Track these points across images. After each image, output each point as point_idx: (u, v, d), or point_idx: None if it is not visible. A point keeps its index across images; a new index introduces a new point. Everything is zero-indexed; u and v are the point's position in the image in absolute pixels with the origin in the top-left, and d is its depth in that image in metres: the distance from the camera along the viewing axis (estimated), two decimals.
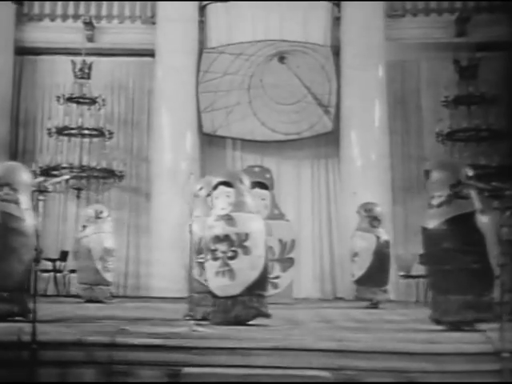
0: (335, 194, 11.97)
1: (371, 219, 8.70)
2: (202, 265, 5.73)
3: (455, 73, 11.31)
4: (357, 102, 11.24)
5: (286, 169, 12.00)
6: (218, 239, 5.34)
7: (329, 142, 11.97)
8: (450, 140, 11.21)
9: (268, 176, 10.17)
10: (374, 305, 8.29)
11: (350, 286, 10.74)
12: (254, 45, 11.84)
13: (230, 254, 5.29)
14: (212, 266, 5.38)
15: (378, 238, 8.55)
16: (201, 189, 6.22)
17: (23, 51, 12.43)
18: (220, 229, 5.35)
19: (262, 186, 10.06)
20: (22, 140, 12.34)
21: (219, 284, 5.33)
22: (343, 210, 11.40)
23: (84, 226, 9.17)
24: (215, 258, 5.35)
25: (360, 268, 8.52)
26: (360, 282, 8.56)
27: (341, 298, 10.94)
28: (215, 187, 5.56)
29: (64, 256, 10.98)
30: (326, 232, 11.93)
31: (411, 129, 12.06)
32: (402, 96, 12.08)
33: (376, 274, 8.42)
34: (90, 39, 12.27)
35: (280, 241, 8.93)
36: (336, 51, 11.78)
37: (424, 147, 11.84)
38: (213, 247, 5.36)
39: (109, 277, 8.93)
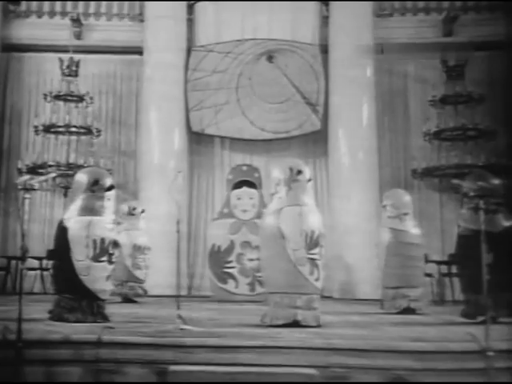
0: (323, 193, 11.99)
1: None
2: (314, 262, 5.11)
3: (442, 72, 11.40)
4: (345, 100, 11.26)
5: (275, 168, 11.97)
6: None
7: (317, 140, 11.99)
8: (437, 139, 11.30)
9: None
10: None
11: (339, 285, 10.87)
12: (243, 43, 11.84)
13: None
14: None
15: None
16: (299, 173, 5.38)
17: (10, 48, 12.30)
18: None
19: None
20: (7, 137, 12.22)
21: None
22: (332, 208, 11.44)
23: (118, 223, 9.09)
24: None
25: None
26: None
27: (329, 297, 10.94)
28: None
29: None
30: None
31: (399, 127, 12.11)
32: (390, 95, 12.13)
33: None
34: (78, 36, 12.20)
35: None
36: (324, 50, 11.80)
37: (411, 146, 11.89)
38: None
39: (140, 274, 8.80)
